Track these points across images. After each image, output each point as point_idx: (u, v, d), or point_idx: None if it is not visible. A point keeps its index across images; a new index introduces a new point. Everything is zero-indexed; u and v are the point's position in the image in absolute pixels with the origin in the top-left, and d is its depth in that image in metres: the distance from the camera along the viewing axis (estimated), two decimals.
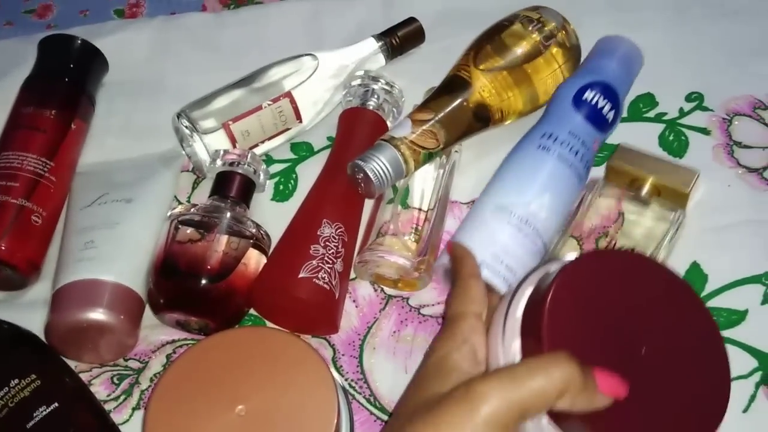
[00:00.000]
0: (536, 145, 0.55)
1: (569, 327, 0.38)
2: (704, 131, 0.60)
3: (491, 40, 0.59)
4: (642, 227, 0.54)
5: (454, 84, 0.58)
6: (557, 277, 0.39)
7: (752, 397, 0.49)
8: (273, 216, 0.59)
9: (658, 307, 0.40)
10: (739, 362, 0.50)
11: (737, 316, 0.52)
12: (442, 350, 0.40)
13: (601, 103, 0.56)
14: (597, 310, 0.39)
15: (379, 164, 0.54)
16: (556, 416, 0.37)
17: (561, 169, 0.54)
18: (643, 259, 0.44)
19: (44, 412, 0.49)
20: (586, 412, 0.36)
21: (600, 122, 0.56)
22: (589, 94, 0.56)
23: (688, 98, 0.62)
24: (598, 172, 0.58)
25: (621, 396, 0.36)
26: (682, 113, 0.62)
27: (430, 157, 0.57)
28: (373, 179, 0.55)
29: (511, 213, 0.53)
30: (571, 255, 0.42)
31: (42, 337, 0.54)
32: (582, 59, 0.61)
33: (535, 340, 0.38)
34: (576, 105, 0.56)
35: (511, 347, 0.39)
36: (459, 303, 0.42)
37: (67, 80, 0.65)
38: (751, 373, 0.50)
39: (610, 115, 0.57)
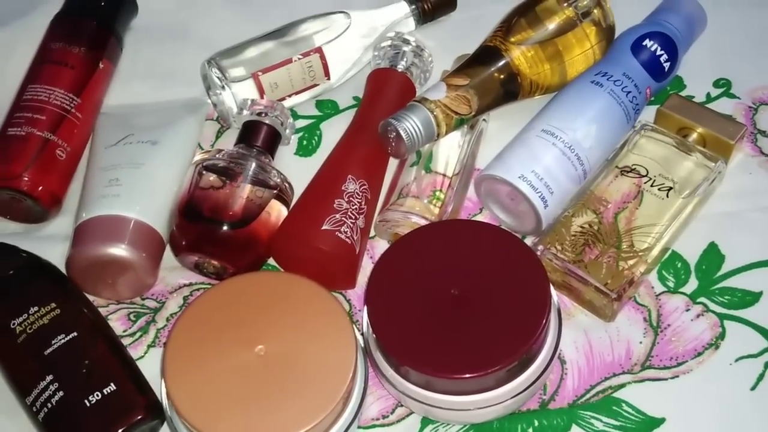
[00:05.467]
0: (589, 80, 0.58)
1: (389, 286, 0.49)
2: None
3: (525, 14, 0.60)
4: (680, 172, 0.55)
5: (489, 54, 0.59)
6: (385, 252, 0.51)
7: (761, 376, 0.50)
8: (295, 170, 0.59)
9: (479, 256, 0.49)
10: (749, 342, 0.51)
11: (751, 297, 0.53)
12: None
13: (659, 53, 0.58)
14: (414, 268, 0.49)
15: (411, 125, 0.55)
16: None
17: (611, 105, 0.57)
18: (479, 225, 0.54)
19: (62, 341, 0.49)
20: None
21: (655, 71, 0.58)
22: (649, 42, 0.58)
23: (716, 84, 0.63)
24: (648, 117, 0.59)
25: None
26: (709, 98, 0.62)
27: (461, 123, 0.57)
28: (404, 139, 0.55)
29: (557, 137, 0.55)
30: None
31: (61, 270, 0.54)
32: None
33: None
34: (634, 50, 0.58)
35: None
36: None
37: (97, 19, 0.64)
38: (760, 353, 0.51)
39: (666, 66, 0.59)
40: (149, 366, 0.51)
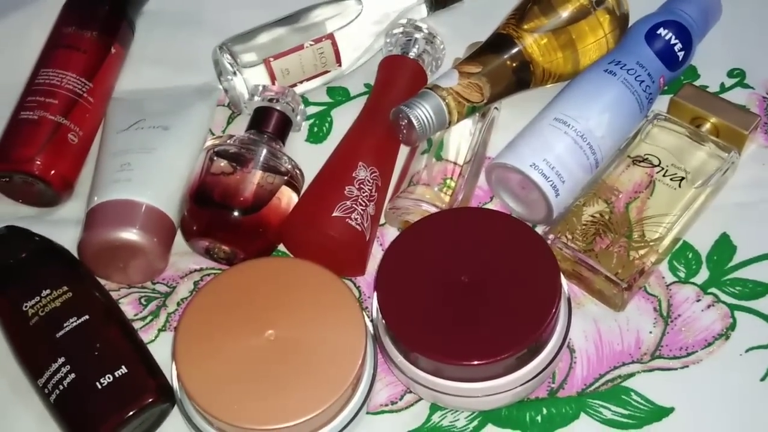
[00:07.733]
0: (603, 69, 0.57)
1: (399, 272, 0.49)
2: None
3: (538, 1, 0.59)
4: (693, 162, 0.55)
5: (501, 41, 0.58)
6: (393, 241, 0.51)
7: None
8: (306, 157, 0.59)
9: (490, 244, 0.49)
10: (759, 333, 0.51)
11: (762, 288, 0.53)
12: None
13: (673, 42, 0.58)
14: (424, 256, 0.49)
15: (423, 112, 0.55)
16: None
17: (624, 94, 0.56)
18: (490, 213, 0.54)
19: (74, 324, 0.49)
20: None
21: (669, 60, 0.58)
22: (663, 31, 0.58)
23: (730, 74, 0.62)
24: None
25: None
26: (723, 88, 0.62)
27: (472, 111, 0.57)
28: (416, 126, 0.55)
29: (569, 126, 0.55)
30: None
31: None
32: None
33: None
34: (648, 39, 0.58)
35: None
36: None
37: (110, 4, 0.64)
38: None
39: (680, 55, 0.58)
40: (160, 350, 0.52)
